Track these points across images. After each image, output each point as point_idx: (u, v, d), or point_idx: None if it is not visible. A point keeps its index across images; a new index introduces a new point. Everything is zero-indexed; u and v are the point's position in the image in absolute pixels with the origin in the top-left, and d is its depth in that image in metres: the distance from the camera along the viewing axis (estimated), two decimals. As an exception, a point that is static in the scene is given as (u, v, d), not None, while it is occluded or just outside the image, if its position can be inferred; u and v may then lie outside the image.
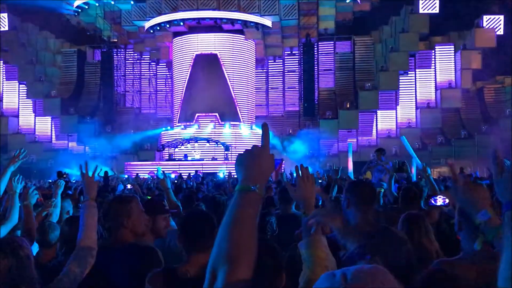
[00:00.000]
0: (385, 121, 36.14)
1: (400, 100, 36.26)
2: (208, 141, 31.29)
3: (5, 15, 37.69)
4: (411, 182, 10.17)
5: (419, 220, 3.44)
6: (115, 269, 2.83)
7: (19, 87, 39.16)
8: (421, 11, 35.01)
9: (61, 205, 4.74)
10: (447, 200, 4.60)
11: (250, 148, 1.54)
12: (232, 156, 31.40)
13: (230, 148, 31.09)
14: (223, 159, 30.57)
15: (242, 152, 1.53)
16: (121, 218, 2.95)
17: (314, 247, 2.01)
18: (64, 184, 4.98)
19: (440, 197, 4.73)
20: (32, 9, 35.36)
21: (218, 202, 5.02)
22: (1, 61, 39.43)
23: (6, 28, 37.77)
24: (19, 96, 39.46)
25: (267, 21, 34.56)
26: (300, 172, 2.25)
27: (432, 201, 4.75)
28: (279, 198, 5.25)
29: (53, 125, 38.55)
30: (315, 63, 35.91)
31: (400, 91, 35.86)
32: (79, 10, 37.15)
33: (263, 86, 39.24)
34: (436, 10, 35.07)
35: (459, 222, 2.45)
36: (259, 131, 34.88)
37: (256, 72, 37.36)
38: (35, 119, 38.98)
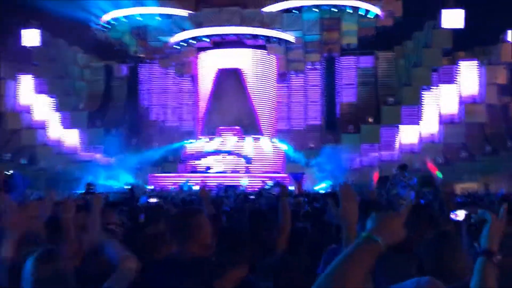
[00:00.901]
0: (408, 136, 35.94)
1: (423, 115, 36.04)
2: (230, 154, 31.65)
3: (38, 31, 39.03)
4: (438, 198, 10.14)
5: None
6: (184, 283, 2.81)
7: (48, 100, 40.32)
8: (444, 26, 34.90)
9: None
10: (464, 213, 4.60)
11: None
12: (253, 168, 31.69)
13: (251, 161, 31.39)
14: (244, 171, 30.86)
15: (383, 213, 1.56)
16: (190, 230, 2.91)
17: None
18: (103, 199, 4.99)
19: (461, 211, 4.72)
20: (63, 24, 36.60)
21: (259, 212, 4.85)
22: (32, 75, 40.77)
23: (38, 44, 39.09)
24: (48, 109, 40.61)
25: (289, 37, 34.97)
26: (343, 190, 2.17)
27: (452, 216, 4.74)
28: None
29: (80, 137, 39.51)
30: (337, 77, 36.10)
31: (423, 106, 35.67)
32: (107, 26, 38.26)
33: (285, 100, 39.52)
34: (460, 25, 34.92)
35: None
36: (280, 144, 35.20)
37: (278, 86, 37.72)
38: (63, 131, 40.01)
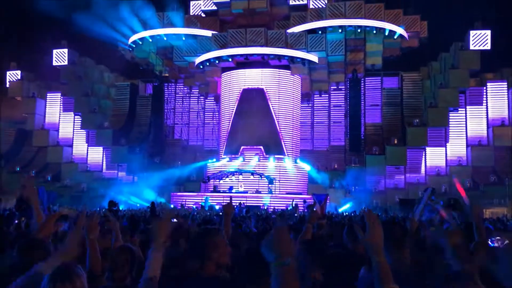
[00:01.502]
0: (434, 158, 35.23)
1: (450, 137, 35.34)
2: (252, 174, 31.47)
3: (66, 50, 40.02)
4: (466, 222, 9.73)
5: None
6: None
7: (74, 118, 41.09)
8: (472, 47, 34.39)
9: None
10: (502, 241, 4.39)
11: (275, 229, 1.74)
12: (276, 189, 31.39)
13: (274, 181, 31.12)
14: (267, 191, 30.59)
15: (267, 238, 1.73)
16: (207, 250, 2.99)
17: None
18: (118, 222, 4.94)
19: (498, 239, 4.51)
20: (91, 44, 37.46)
21: None
22: (60, 93, 41.71)
23: (66, 63, 40.03)
24: (74, 127, 41.36)
25: (313, 57, 34.93)
26: (369, 217, 2.24)
27: (490, 243, 4.52)
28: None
29: (104, 155, 39.99)
30: (362, 98, 35.77)
31: (450, 127, 35.00)
32: (134, 46, 38.94)
33: (309, 121, 39.34)
34: (488, 47, 34.37)
35: None
36: (304, 165, 34.88)
37: (301, 106, 37.59)
38: (87, 148, 40.59)
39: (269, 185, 30.83)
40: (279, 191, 31.55)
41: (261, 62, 34.80)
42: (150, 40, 37.89)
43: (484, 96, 35.95)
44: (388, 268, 2.13)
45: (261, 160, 33.28)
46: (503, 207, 28.10)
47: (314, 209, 4.40)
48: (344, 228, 5.30)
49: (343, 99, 37.41)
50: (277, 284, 1.60)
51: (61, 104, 41.79)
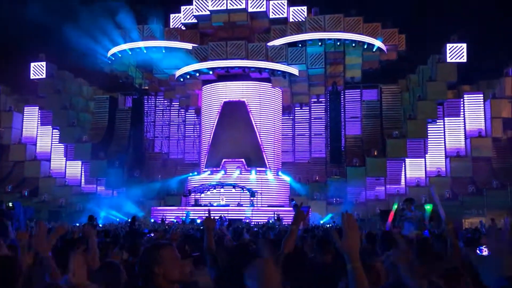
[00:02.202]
0: (414, 169, 35.61)
1: (429, 149, 35.80)
2: (234, 187, 31.32)
3: (44, 63, 39.49)
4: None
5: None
6: None
7: (52, 132, 40.41)
8: (448, 60, 35.08)
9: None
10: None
11: (254, 262, 1.60)
12: (258, 202, 31.29)
13: (256, 194, 31.02)
14: (249, 205, 30.46)
15: (250, 269, 1.57)
16: (152, 265, 2.89)
17: None
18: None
19: (485, 247, 4.55)
20: (69, 57, 37.04)
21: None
22: (37, 107, 41.02)
23: (44, 76, 39.47)
24: (52, 141, 40.65)
25: (294, 70, 35.17)
26: (346, 221, 2.15)
27: (478, 251, 4.57)
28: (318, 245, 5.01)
29: (83, 169, 39.35)
30: (342, 110, 36.07)
31: (428, 139, 35.48)
32: (113, 58, 38.64)
33: (290, 133, 39.46)
34: (464, 59, 35.09)
35: None
36: (285, 177, 34.88)
37: (282, 119, 37.72)
38: (66, 163, 39.90)
39: (251, 198, 30.71)
40: (261, 204, 31.44)
41: (242, 74, 34.89)
42: (130, 53, 37.65)
43: (462, 107, 36.60)
44: (363, 273, 2.06)
45: (242, 173, 33.18)
46: (481, 217, 28.47)
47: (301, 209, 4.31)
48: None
49: (324, 111, 37.67)
50: None
51: (39, 118, 41.06)
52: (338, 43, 35.35)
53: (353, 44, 35.50)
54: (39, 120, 41.11)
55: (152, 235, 9.94)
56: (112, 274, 3.43)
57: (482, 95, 36.46)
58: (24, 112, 41.63)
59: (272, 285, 1.50)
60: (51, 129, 40.21)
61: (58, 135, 39.68)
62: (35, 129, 41.29)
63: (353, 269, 2.05)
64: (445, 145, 36.17)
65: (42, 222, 3.39)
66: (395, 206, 12.25)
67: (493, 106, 35.26)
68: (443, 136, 36.35)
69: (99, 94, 42.77)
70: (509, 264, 1.41)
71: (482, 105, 36.21)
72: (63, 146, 39.93)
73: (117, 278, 3.42)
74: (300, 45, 35.34)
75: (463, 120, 36.43)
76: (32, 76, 39.70)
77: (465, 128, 36.26)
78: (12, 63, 42.02)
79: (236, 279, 2.51)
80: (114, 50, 37.81)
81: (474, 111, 36.33)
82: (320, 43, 35.21)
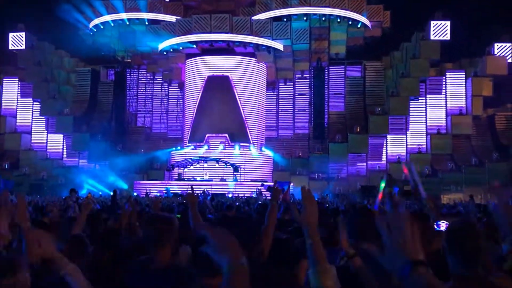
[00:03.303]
0: (395, 146, 36.05)
1: (410, 126, 36.21)
2: (217, 162, 31.41)
3: (23, 34, 38.53)
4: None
5: None
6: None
7: (33, 104, 39.74)
8: (432, 37, 35.22)
9: None
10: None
11: (211, 232, 1.54)
12: (241, 177, 31.47)
13: (239, 169, 31.17)
14: (232, 179, 30.63)
15: (210, 240, 1.53)
16: (165, 237, 2.86)
17: (324, 277, 2.01)
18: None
19: (443, 222, 4.73)
20: (49, 28, 36.19)
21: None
22: (17, 79, 40.18)
23: (23, 47, 38.57)
24: (32, 113, 40.01)
25: (278, 45, 34.96)
26: (305, 195, 2.14)
27: (436, 226, 4.74)
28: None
29: (65, 142, 38.94)
30: (326, 87, 36.13)
31: (410, 116, 35.84)
32: (95, 30, 37.87)
33: (274, 109, 39.48)
34: (447, 37, 35.28)
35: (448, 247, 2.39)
36: (268, 152, 35.05)
37: (267, 94, 37.66)
38: (47, 136, 39.41)
39: (234, 173, 30.87)
40: (244, 179, 31.64)
41: (226, 49, 34.58)
42: (112, 25, 36.94)
43: (444, 85, 36.95)
44: (322, 248, 2.09)
45: (226, 148, 33.23)
46: (460, 193, 29.10)
47: (278, 190, 4.39)
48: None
49: (308, 87, 37.68)
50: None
51: (19, 90, 40.28)
52: (323, 19, 35.18)
53: (338, 20, 35.37)
54: (19, 92, 40.34)
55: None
56: (78, 247, 3.46)
57: (464, 73, 36.80)
58: (3, 83, 40.77)
59: (238, 250, 1.52)
60: (32, 101, 39.53)
61: (39, 108, 39.06)
62: (15, 101, 40.55)
63: (312, 244, 2.07)
64: (426, 122, 36.61)
65: (22, 194, 3.37)
66: (383, 185, 12.16)
67: (474, 84, 35.64)
68: (424, 114, 36.76)
69: (80, 67, 42.01)
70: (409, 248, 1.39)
71: (464, 83, 36.60)
72: (44, 119, 39.36)
73: (84, 252, 3.45)
74: (285, 20, 35.08)
75: (444, 98, 36.83)
76: (10, 47, 38.78)
77: (446, 106, 36.70)
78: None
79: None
80: (96, 21, 37.05)
81: (455, 89, 36.72)
82: (305, 18, 34.98)
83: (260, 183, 29.41)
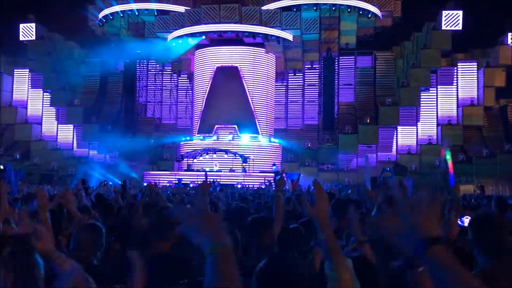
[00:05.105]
0: (406, 137, 35.82)
1: (421, 116, 35.92)
2: (226, 153, 31.41)
3: (33, 25, 38.66)
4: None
5: None
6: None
7: (43, 95, 39.99)
8: (443, 27, 34.78)
9: None
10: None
11: (188, 211, 1.50)
12: (250, 168, 31.48)
13: (248, 160, 31.15)
14: (241, 170, 30.63)
15: (188, 220, 1.48)
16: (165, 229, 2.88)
17: (340, 270, 1.97)
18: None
19: (467, 218, 4.61)
20: (60, 19, 36.25)
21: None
22: (28, 70, 40.42)
23: (33, 38, 38.72)
24: (43, 104, 40.28)
25: (288, 35, 34.73)
26: (317, 189, 2.10)
27: (460, 222, 4.61)
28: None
29: (75, 133, 39.19)
30: (336, 77, 35.87)
31: (421, 107, 35.54)
32: (104, 21, 37.88)
33: (283, 99, 39.34)
34: (459, 27, 34.82)
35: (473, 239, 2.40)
36: (277, 143, 34.97)
37: (276, 85, 37.50)
38: (57, 126, 39.68)
39: (243, 164, 30.86)
40: (253, 170, 31.63)
41: (235, 39, 34.43)
42: (121, 15, 36.92)
43: (455, 76, 36.55)
44: (335, 241, 2.04)
45: (235, 139, 33.22)
46: (470, 184, 28.88)
47: (284, 180, 4.39)
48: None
49: (317, 78, 37.46)
50: (216, 273, 1.39)
51: (29, 81, 40.54)
52: (333, 8, 34.85)
53: (349, 10, 34.99)
54: (29, 83, 40.61)
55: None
56: (90, 235, 3.43)
57: (476, 63, 36.37)
58: (14, 74, 41.04)
59: (220, 230, 1.49)
60: (42, 92, 39.78)
61: (49, 99, 39.29)
62: (26, 92, 40.84)
63: (325, 239, 2.01)
64: (437, 113, 36.30)
65: (42, 188, 3.41)
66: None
67: (486, 74, 35.23)
68: (435, 104, 36.44)
69: (90, 58, 42.08)
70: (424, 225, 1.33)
71: (476, 73, 36.19)
72: (54, 110, 39.61)
73: (96, 240, 3.41)
74: (294, 10, 34.79)
75: (455, 89, 36.45)
76: (21, 38, 38.94)
77: (457, 97, 36.33)
78: (0, 23, 41.10)
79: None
80: (106, 12, 37.02)
81: (467, 79, 36.32)
82: (315, 8, 34.67)
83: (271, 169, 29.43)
